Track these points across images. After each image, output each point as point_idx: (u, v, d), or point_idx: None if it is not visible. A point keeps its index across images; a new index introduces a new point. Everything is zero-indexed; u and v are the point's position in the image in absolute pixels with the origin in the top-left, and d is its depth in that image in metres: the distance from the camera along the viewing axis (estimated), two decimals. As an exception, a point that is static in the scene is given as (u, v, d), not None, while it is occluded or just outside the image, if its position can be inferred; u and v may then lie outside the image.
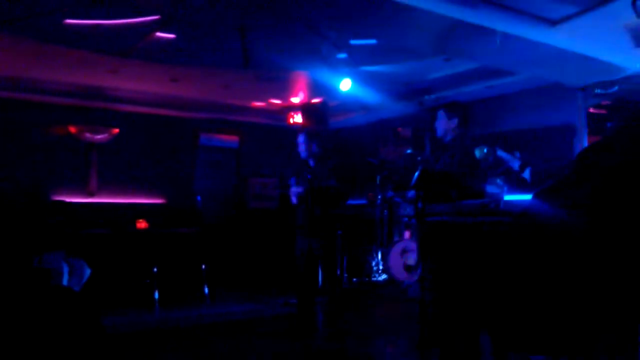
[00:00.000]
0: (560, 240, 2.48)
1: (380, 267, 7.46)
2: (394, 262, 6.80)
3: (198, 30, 5.41)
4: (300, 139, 5.12)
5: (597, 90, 5.82)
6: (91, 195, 8.06)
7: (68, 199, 7.53)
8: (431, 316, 4.04)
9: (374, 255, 7.59)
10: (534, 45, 4.72)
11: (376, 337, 5.32)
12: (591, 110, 6.04)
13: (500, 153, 4.58)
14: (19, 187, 6.06)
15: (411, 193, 5.70)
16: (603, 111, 5.95)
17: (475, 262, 3.05)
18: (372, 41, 5.52)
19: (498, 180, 3.91)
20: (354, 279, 7.53)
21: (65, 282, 5.26)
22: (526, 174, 4.70)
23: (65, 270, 5.30)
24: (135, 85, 7.53)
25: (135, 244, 6.90)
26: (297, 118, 8.42)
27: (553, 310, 2.41)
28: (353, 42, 5.57)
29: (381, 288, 6.83)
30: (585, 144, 6.01)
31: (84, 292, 5.40)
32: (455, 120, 4.28)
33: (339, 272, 7.03)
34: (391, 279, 6.87)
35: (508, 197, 4.13)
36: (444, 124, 4.32)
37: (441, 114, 4.36)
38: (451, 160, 4.20)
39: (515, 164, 4.74)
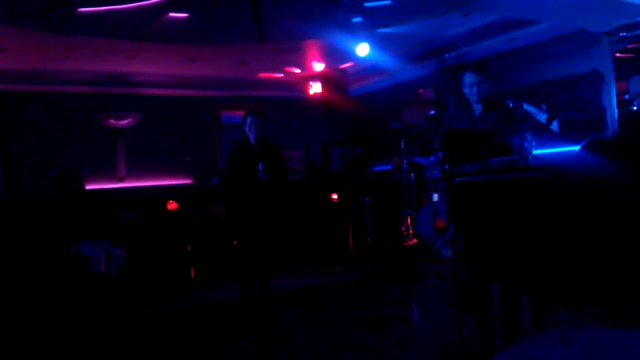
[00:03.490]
0: (611, 192, 2.40)
1: (411, 232, 7.44)
2: (423, 225, 6.77)
3: (210, 6, 5.37)
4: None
5: (622, 34, 5.63)
6: (121, 180, 8.18)
7: (99, 186, 7.67)
8: (466, 276, 4.04)
9: (403, 220, 7.57)
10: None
11: (411, 300, 5.35)
12: (617, 55, 5.86)
13: (527, 107, 4.48)
14: (52, 178, 6.18)
15: (432, 157, 5.66)
16: (630, 55, 5.77)
17: (508, 220, 3.02)
18: (387, 2, 5.41)
19: (526, 135, 3.83)
20: (385, 245, 7.55)
21: (102, 267, 5.39)
22: (554, 126, 4.59)
23: (102, 256, 5.43)
24: (155, 68, 7.55)
25: (167, 225, 7.02)
26: (317, 87, 8.35)
27: (593, 262, 2.37)
28: (367, 4, 5.45)
29: (412, 252, 6.83)
30: (614, 90, 5.84)
31: (122, 276, 5.54)
32: (491, 81, 4.20)
33: (369, 239, 7.06)
34: (422, 243, 6.85)
35: (536, 152, 4.05)
36: (488, 87, 4.25)
37: (468, 75, 4.28)
38: (494, 118, 4.13)
39: (542, 117, 4.63)
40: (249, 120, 5.52)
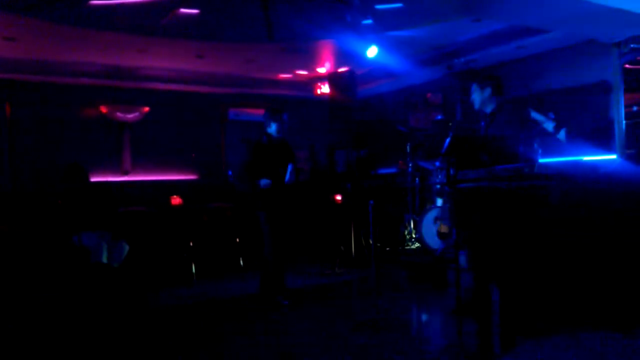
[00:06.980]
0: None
1: (413, 236, 7.44)
2: (426, 230, 6.76)
3: (221, 3, 5.38)
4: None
5: (632, 45, 5.62)
6: (126, 174, 8.20)
7: (104, 179, 7.69)
8: (468, 283, 4.03)
9: (406, 224, 7.56)
10: (567, 0, 4.55)
11: (411, 304, 5.34)
12: (627, 66, 5.84)
13: (534, 115, 4.47)
14: (58, 169, 6.20)
15: (439, 162, 5.60)
16: (639, 67, 5.75)
17: (512, 227, 3.01)
18: (398, 5, 5.41)
19: (532, 143, 3.82)
20: (387, 249, 7.54)
21: (104, 259, 5.40)
22: (561, 135, 4.58)
23: (104, 247, 5.44)
24: (163, 63, 7.58)
25: (170, 219, 7.03)
26: (324, 88, 8.36)
27: (601, 271, 2.36)
28: (378, 6, 5.46)
29: (414, 256, 6.82)
30: (622, 101, 5.83)
31: (123, 268, 5.55)
32: (489, 90, 4.18)
33: (371, 241, 7.05)
34: (424, 247, 6.85)
35: (542, 160, 4.04)
36: (478, 97, 4.23)
37: (474, 87, 4.26)
38: (504, 125, 4.09)
39: (550, 126, 4.62)
40: (284, 118, 5.26)
